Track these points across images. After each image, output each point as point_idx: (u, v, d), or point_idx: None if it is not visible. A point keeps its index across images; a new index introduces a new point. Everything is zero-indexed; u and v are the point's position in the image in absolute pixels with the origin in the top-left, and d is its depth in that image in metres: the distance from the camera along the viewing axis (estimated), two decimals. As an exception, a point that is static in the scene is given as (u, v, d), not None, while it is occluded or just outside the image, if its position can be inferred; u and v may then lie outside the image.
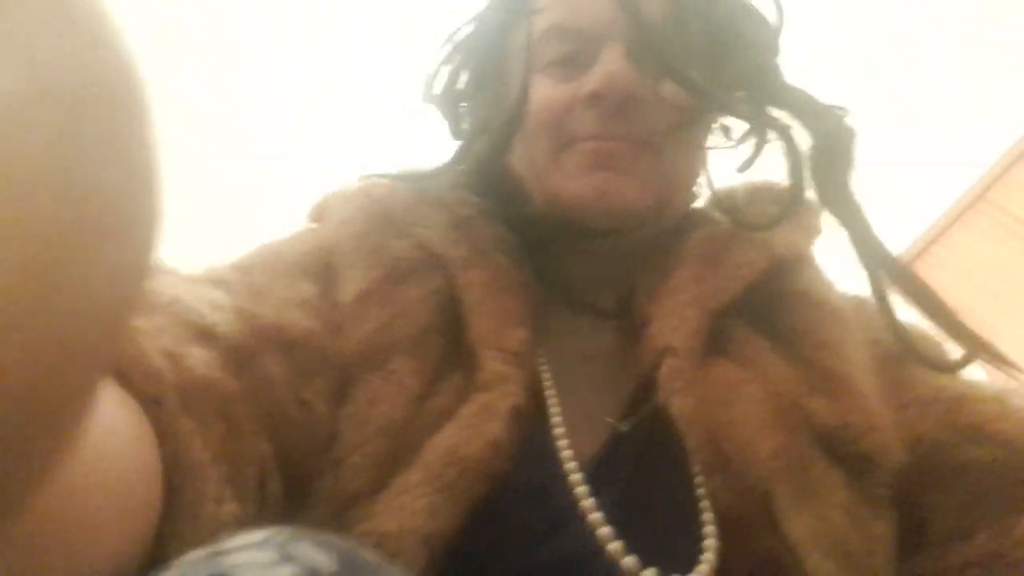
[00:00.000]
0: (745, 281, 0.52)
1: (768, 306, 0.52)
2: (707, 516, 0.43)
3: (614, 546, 0.42)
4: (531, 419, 0.46)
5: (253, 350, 0.40)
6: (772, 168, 0.56)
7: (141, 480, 0.26)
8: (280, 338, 0.43)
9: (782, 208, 0.53)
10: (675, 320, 0.49)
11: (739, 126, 0.57)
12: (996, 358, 0.50)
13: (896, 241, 1.91)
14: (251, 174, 2.11)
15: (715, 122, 0.58)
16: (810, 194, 0.53)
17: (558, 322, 0.54)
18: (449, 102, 0.62)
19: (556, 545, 0.42)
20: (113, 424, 0.25)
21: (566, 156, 0.52)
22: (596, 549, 0.42)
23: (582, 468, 0.45)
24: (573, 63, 0.53)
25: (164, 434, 0.29)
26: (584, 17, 0.53)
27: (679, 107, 0.51)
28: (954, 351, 0.52)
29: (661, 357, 0.48)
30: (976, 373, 0.52)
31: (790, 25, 0.55)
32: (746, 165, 0.56)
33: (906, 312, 0.52)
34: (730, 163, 0.59)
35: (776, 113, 0.53)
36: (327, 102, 2.08)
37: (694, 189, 0.59)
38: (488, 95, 0.59)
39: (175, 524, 0.28)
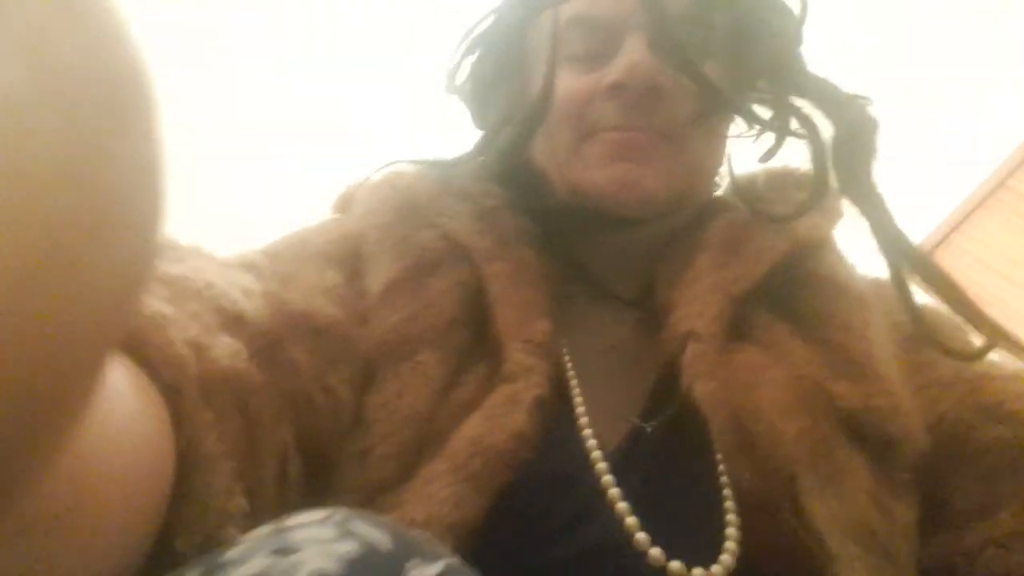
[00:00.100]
0: (767, 266, 0.52)
1: (790, 290, 0.52)
2: (730, 504, 0.44)
3: (640, 536, 0.42)
4: (555, 409, 0.47)
5: (281, 336, 0.40)
6: (786, 155, 0.56)
7: (153, 467, 0.26)
8: (307, 324, 0.43)
9: (807, 197, 0.52)
10: (698, 306, 0.49)
11: (761, 114, 0.57)
12: (1016, 346, 0.50)
13: (915, 230, 1.89)
14: (250, 172, 2.11)
15: (737, 111, 0.58)
16: (831, 180, 0.53)
17: (580, 313, 0.55)
18: (472, 94, 0.62)
19: (581, 534, 0.42)
20: (130, 409, 0.25)
21: (588, 146, 0.52)
22: (621, 539, 0.42)
23: (606, 458, 0.45)
24: (595, 54, 0.53)
25: (181, 424, 0.29)
26: (606, 8, 0.53)
27: (701, 97, 0.51)
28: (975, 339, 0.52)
29: (684, 343, 0.48)
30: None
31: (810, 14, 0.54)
32: (768, 155, 0.56)
33: (926, 300, 0.52)
34: (748, 149, 0.58)
35: (798, 103, 0.53)
36: (325, 103, 2.07)
37: (716, 178, 0.59)
38: (512, 87, 0.59)
39: (183, 514, 0.28)
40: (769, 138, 0.56)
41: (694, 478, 0.45)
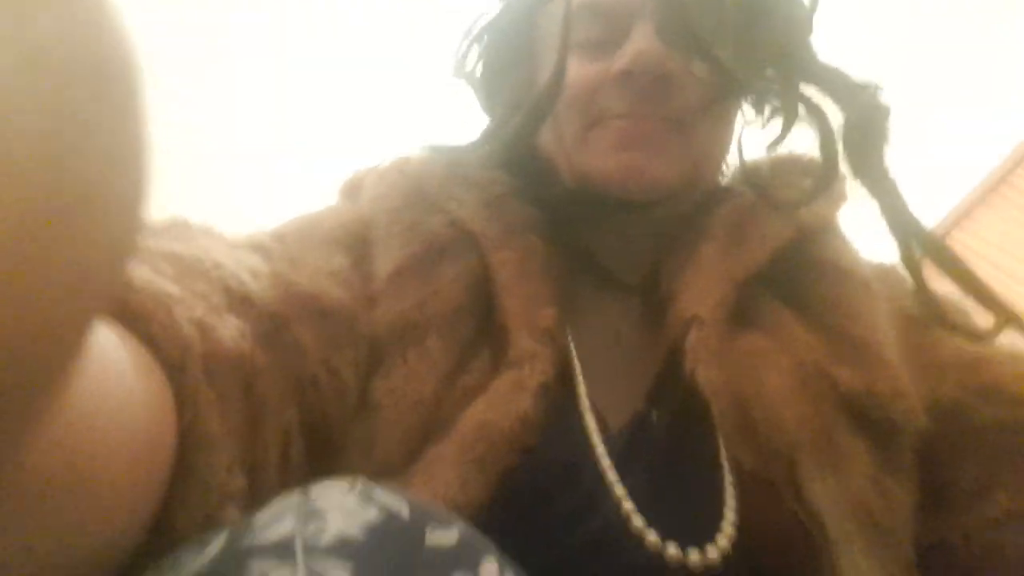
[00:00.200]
0: (771, 251, 0.52)
1: (794, 275, 0.52)
2: (731, 489, 0.44)
3: (637, 521, 0.42)
4: (560, 395, 0.47)
5: (288, 317, 0.40)
6: (789, 143, 0.56)
7: (154, 442, 0.26)
8: (314, 306, 0.43)
9: (816, 183, 0.52)
10: (701, 291, 0.50)
11: (770, 101, 0.57)
12: None
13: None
14: (250, 172, 2.11)
15: (746, 98, 0.58)
16: (841, 166, 0.53)
17: (586, 299, 0.55)
18: (480, 81, 0.62)
19: (583, 519, 0.43)
20: (131, 386, 0.25)
21: (595, 133, 0.52)
22: (621, 523, 0.42)
23: (609, 443, 0.45)
24: (604, 41, 0.52)
25: (184, 403, 0.29)
26: None
27: (710, 85, 0.51)
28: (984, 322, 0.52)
29: (688, 328, 0.48)
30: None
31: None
32: (776, 142, 0.56)
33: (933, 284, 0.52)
34: (753, 137, 0.58)
35: (808, 91, 0.53)
36: (325, 103, 2.07)
37: (722, 165, 0.59)
38: (521, 74, 0.59)
39: (183, 492, 0.28)
40: (774, 127, 0.56)
41: (697, 463, 0.46)
